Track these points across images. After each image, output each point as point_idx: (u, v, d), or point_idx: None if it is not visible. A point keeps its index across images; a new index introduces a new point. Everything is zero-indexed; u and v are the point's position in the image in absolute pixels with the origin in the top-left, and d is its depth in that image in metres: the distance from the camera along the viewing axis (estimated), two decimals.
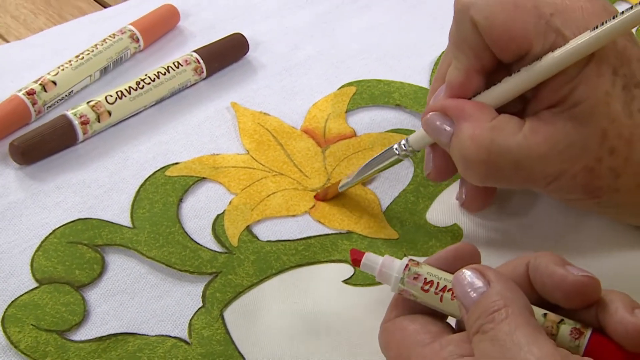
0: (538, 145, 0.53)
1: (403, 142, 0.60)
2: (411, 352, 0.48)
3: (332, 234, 0.62)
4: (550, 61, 0.53)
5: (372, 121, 0.70)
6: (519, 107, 0.57)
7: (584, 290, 0.48)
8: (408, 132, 0.69)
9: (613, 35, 0.52)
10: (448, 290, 0.49)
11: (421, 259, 0.51)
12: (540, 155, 0.53)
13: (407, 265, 0.50)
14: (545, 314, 0.48)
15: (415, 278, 0.50)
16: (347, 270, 0.59)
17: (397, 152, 0.61)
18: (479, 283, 0.47)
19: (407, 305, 0.51)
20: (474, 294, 0.47)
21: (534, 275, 0.49)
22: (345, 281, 0.59)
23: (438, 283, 0.49)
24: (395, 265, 0.51)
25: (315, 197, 0.64)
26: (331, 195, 0.64)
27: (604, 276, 0.49)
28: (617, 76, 0.53)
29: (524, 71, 0.54)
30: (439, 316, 0.51)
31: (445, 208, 0.64)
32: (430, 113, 0.57)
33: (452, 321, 0.51)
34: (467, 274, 0.48)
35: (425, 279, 0.49)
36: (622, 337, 0.47)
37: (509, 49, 0.55)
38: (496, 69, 0.57)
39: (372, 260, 0.52)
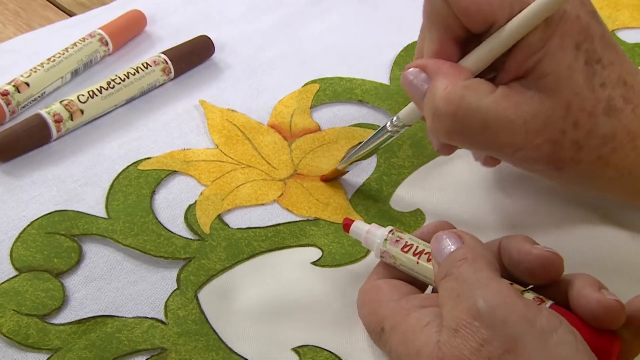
0: (506, 110, 0.54)
1: (394, 118, 0.62)
2: (381, 306, 0.51)
3: (300, 220, 0.64)
4: (514, 25, 0.54)
5: (336, 116, 0.73)
6: (489, 78, 0.57)
7: (547, 264, 0.51)
8: (370, 125, 0.72)
9: None
10: (425, 254, 0.53)
11: None
12: (508, 120, 0.54)
13: (391, 230, 0.55)
14: (511, 283, 0.51)
15: (397, 241, 0.54)
16: (315, 253, 0.62)
17: (389, 129, 0.62)
18: (454, 242, 0.50)
19: (386, 273, 0.54)
20: (447, 250, 0.50)
21: (504, 251, 0.53)
22: (314, 263, 0.61)
23: (417, 247, 0.53)
24: (380, 231, 0.56)
25: (321, 178, 0.67)
26: (333, 176, 0.67)
27: (568, 258, 0.53)
28: (580, 51, 0.54)
29: (491, 38, 0.55)
30: (415, 285, 0.54)
31: (408, 194, 0.66)
32: (409, 69, 0.58)
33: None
34: (445, 234, 0.51)
35: (406, 242, 0.54)
36: (585, 311, 0.49)
37: (476, 20, 0.55)
38: (469, 41, 0.57)
39: (360, 227, 0.57)
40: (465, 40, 0.57)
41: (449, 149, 0.60)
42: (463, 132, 0.55)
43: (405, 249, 0.54)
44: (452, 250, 0.50)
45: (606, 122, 0.55)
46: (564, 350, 0.45)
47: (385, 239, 0.55)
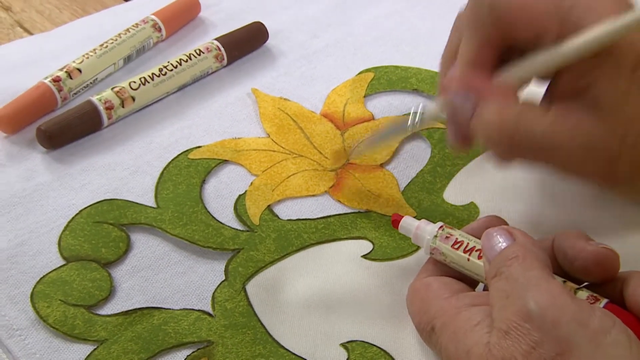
0: (562, 134, 0.53)
1: (418, 114, 0.60)
2: (431, 305, 0.50)
3: (351, 212, 0.63)
4: (571, 46, 0.52)
5: (390, 105, 0.72)
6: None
7: (602, 260, 0.50)
8: None
9: (631, 27, 0.51)
10: (476, 251, 0.52)
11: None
12: (563, 144, 0.53)
13: (441, 226, 0.54)
14: (564, 281, 0.50)
15: (447, 237, 0.53)
16: (366, 246, 0.61)
17: (409, 125, 0.60)
18: (504, 239, 0.49)
19: (436, 270, 0.53)
20: (498, 248, 0.49)
21: (558, 247, 0.51)
22: (364, 256, 0.60)
23: (468, 244, 0.52)
24: (429, 227, 0.54)
25: (394, 217, 0.59)
26: (342, 160, 0.64)
27: (625, 256, 0.51)
28: (635, 75, 0.52)
29: (544, 53, 0.53)
30: (465, 282, 0.53)
31: (462, 187, 0.65)
32: (451, 91, 0.56)
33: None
34: (496, 230, 0.50)
35: (457, 239, 0.53)
36: None
37: (524, 30, 0.54)
38: (507, 52, 0.56)
39: (409, 223, 0.56)
40: (503, 50, 0.56)
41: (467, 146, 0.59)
42: (518, 155, 0.55)
43: (456, 246, 0.53)
44: (502, 247, 0.49)
45: None
46: (618, 352, 0.44)
47: (435, 236, 0.54)
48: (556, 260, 0.51)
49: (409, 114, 0.61)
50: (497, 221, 0.54)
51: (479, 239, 0.52)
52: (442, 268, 0.54)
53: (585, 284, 0.51)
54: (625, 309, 0.48)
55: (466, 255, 0.52)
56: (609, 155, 0.53)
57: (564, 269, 0.51)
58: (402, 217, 0.56)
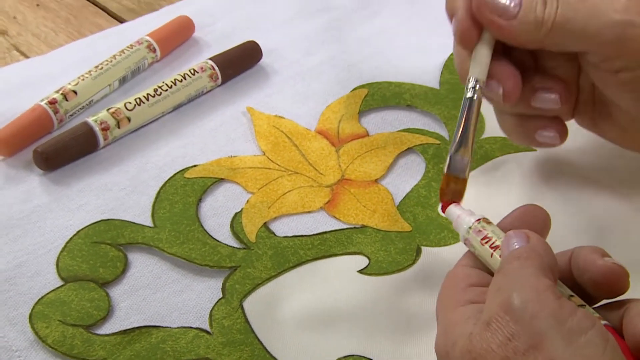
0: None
1: (471, 84, 0.57)
2: (443, 294, 0.51)
3: (347, 228, 0.63)
4: None
5: (384, 121, 0.72)
6: None
7: (610, 276, 0.49)
8: (419, 130, 0.71)
9: None
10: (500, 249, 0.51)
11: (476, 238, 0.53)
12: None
13: (478, 219, 0.53)
14: (571, 296, 0.50)
15: (479, 231, 0.53)
16: (362, 261, 0.61)
17: (475, 95, 0.57)
18: (519, 240, 0.49)
19: (472, 259, 0.53)
20: (511, 248, 0.49)
21: (574, 260, 0.51)
22: (361, 271, 0.60)
23: (495, 241, 0.52)
24: (468, 218, 0.54)
25: (444, 203, 0.56)
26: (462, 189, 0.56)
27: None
28: None
29: None
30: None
31: None
32: None
33: None
34: (515, 232, 0.50)
35: (486, 234, 0.52)
36: (630, 340, 0.47)
37: None
38: None
39: (454, 211, 0.55)
40: None
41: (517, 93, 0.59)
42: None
43: (484, 241, 0.53)
44: (518, 247, 0.49)
45: None
46: (589, 352, 0.44)
47: (470, 227, 0.54)
48: (572, 273, 0.51)
49: None
50: (535, 209, 0.54)
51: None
52: (478, 259, 0.54)
53: (596, 305, 0.51)
54: (620, 334, 0.48)
55: (491, 251, 0.52)
56: None
57: (578, 282, 0.51)
58: (452, 203, 0.56)
